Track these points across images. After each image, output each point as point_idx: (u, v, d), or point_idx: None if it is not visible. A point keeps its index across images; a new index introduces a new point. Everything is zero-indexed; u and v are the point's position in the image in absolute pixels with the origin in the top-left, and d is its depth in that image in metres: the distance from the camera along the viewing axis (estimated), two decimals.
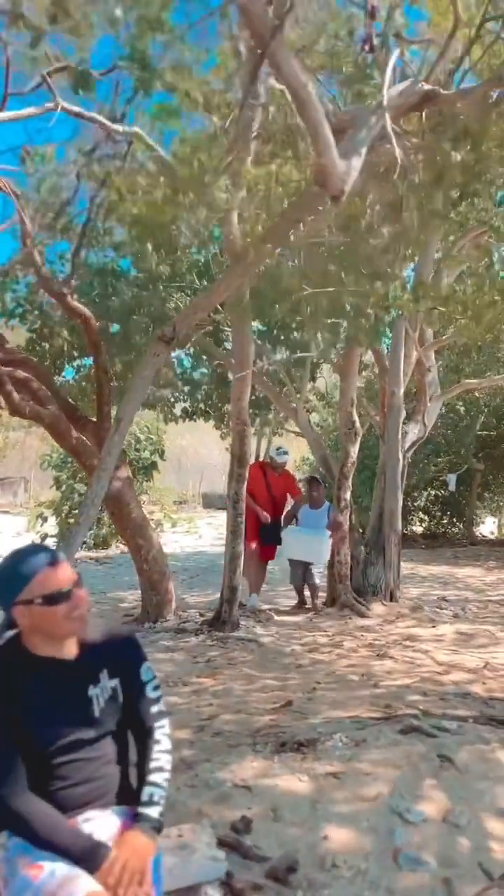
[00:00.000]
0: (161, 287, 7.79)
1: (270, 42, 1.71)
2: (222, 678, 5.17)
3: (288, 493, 8.62)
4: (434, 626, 7.09)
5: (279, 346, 8.52)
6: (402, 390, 8.20)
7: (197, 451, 39.01)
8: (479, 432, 15.40)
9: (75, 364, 8.68)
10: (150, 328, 7.65)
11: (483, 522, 20.34)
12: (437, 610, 8.00)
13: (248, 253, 3.39)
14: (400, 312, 6.90)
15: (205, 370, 10.10)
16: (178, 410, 11.31)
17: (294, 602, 8.53)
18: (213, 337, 8.84)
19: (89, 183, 6.51)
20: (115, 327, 8.29)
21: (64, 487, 15.29)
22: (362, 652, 6.01)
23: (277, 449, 8.54)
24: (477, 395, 15.09)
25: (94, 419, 7.71)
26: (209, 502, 35.56)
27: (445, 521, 18.38)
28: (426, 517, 18.40)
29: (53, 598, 1.98)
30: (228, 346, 9.75)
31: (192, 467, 41.15)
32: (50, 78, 4.14)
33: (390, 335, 8.37)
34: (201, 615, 7.37)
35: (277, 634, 6.66)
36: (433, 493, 17.60)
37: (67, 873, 1.84)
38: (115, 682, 2.14)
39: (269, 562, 8.60)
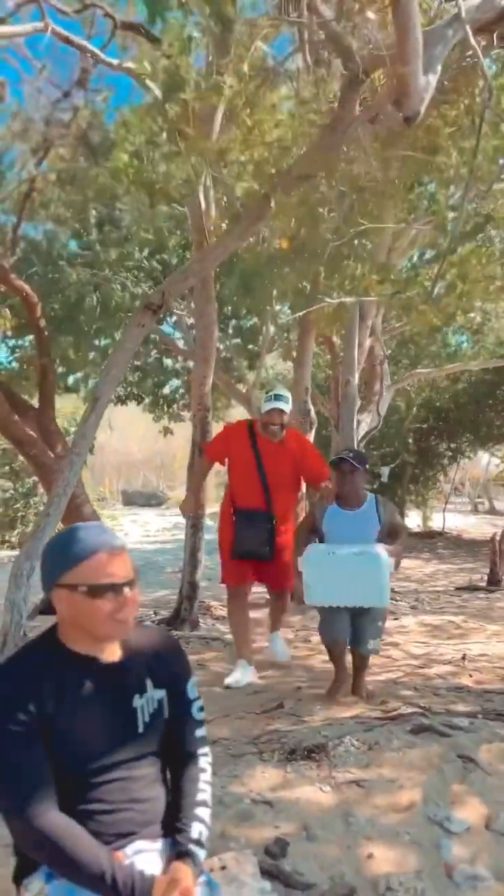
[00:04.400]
0: (107, 267, 7.31)
1: None
2: (198, 681, 4.80)
3: (305, 474, 4.92)
4: (396, 618, 6.94)
5: (231, 332, 8.18)
6: (356, 379, 8.02)
7: (115, 448, 38.11)
8: (411, 425, 15.52)
9: (11, 345, 8.07)
10: (96, 309, 7.18)
11: (408, 516, 20.61)
12: (394, 602, 7.87)
13: (256, 207, 3.07)
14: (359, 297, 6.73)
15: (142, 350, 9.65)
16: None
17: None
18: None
19: (35, 148, 6.03)
20: (53, 308, 7.76)
21: None
22: None
23: (267, 393, 4.86)
24: (408, 387, 15.21)
25: (36, 406, 7.20)
26: (129, 500, 34.83)
27: None
28: None
29: (99, 591, 1.62)
30: (168, 328, 9.39)
31: (108, 464, 40.20)
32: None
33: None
34: (156, 613, 6.96)
35: None
36: None
37: None
38: (161, 694, 1.80)
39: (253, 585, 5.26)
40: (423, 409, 15.72)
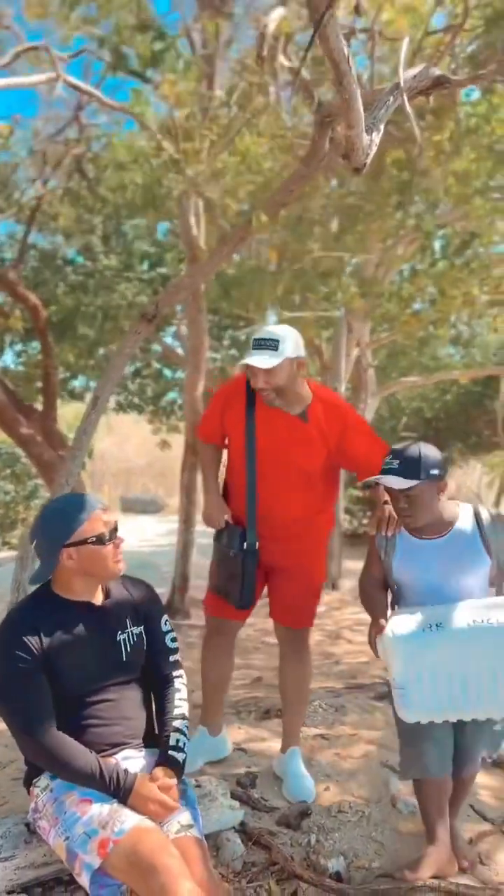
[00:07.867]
0: (109, 276, 7.76)
1: (325, 13, 1.83)
2: (188, 662, 5.20)
3: (348, 464, 2.92)
4: None
5: (227, 342, 8.63)
6: (343, 387, 8.45)
7: (115, 455, 38.51)
8: (402, 434, 15.92)
9: (16, 349, 8.51)
10: (94, 317, 7.62)
11: None
12: None
13: (241, 229, 3.49)
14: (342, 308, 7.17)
15: (139, 364, 10.09)
16: (112, 404, 11.22)
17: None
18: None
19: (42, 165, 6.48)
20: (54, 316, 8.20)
21: None
22: (316, 636, 6.16)
23: (257, 341, 2.63)
24: (398, 397, 15.63)
25: (40, 409, 7.62)
26: (128, 506, 35.21)
27: (366, 521, 18.88)
28: (348, 516, 18.82)
29: (104, 539, 2.07)
30: (168, 339, 9.83)
31: (107, 471, 40.59)
32: (19, 58, 4.14)
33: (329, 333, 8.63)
34: None
35: None
36: (355, 493, 18.05)
37: (115, 806, 1.93)
38: (139, 630, 2.24)
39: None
40: (413, 417, 16.13)
